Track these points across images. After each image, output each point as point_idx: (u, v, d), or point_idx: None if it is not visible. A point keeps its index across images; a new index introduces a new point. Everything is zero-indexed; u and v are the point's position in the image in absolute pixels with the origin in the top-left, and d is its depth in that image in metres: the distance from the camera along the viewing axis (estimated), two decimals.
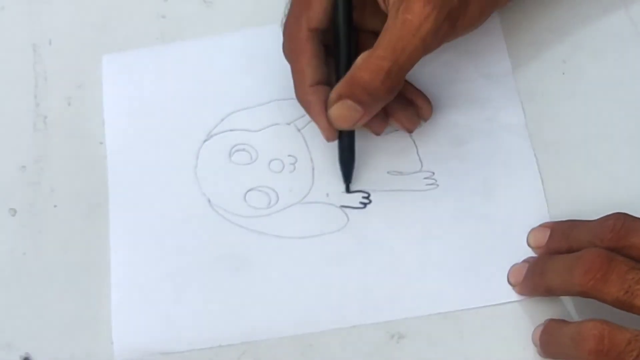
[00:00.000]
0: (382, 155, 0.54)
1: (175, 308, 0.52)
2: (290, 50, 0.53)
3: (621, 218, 0.45)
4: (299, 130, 0.56)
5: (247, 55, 0.58)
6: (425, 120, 0.54)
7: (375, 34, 0.49)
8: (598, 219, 0.47)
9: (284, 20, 0.53)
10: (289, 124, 0.56)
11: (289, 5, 0.53)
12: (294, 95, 0.54)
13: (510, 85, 0.55)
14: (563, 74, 0.55)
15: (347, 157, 0.53)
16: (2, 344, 0.53)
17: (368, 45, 0.49)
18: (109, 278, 0.53)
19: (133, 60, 0.59)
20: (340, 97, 0.49)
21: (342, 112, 0.49)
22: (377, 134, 0.54)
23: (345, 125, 0.50)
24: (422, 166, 0.54)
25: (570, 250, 0.48)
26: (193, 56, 0.58)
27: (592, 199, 0.50)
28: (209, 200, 0.55)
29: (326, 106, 0.50)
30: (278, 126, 0.56)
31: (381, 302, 0.51)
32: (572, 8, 0.56)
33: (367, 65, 0.48)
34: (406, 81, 0.53)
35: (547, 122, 0.54)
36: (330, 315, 0.51)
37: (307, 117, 0.55)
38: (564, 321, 0.47)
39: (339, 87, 0.49)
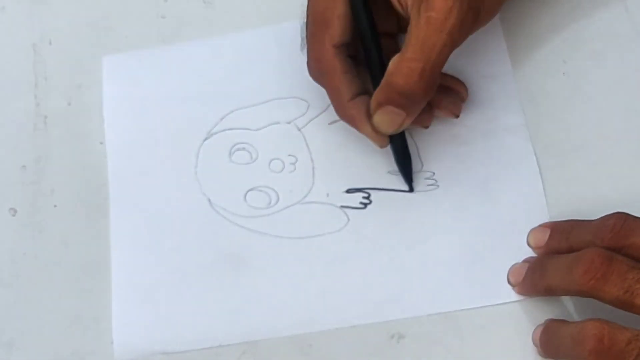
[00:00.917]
0: (382, 155, 0.54)
1: (175, 308, 0.52)
2: (319, 71, 0.52)
3: (622, 218, 0.46)
4: (299, 129, 0.56)
5: (247, 55, 0.58)
6: (464, 101, 0.54)
7: (390, 36, 0.49)
8: (599, 219, 0.47)
9: (303, 44, 0.53)
10: (289, 122, 0.56)
11: (305, 29, 0.53)
12: (293, 93, 0.54)
13: (511, 86, 0.55)
14: (563, 74, 0.55)
15: (404, 159, 0.53)
16: (2, 343, 0.53)
17: (387, 48, 0.49)
18: (109, 278, 0.53)
19: (133, 60, 0.59)
20: (380, 105, 0.49)
21: (385, 118, 0.50)
22: (426, 127, 0.53)
23: (390, 130, 0.50)
24: (422, 166, 0.54)
25: (570, 250, 0.48)
26: (193, 56, 0.58)
27: (592, 199, 0.50)
28: (209, 200, 0.55)
29: (369, 116, 0.50)
30: (278, 125, 0.56)
31: (381, 302, 0.51)
32: (572, 8, 0.56)
33: (399, 70, 0.48)
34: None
35: (547, 123, 0.54)
36: (330, 315, 0.51)
37: (307, 116, 0.55)
38: (564, 321, 0.47)
39: (377, 95, 0.49)
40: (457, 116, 0.54)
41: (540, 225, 0.51)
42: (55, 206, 0.56)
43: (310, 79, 0.53)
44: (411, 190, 0.53)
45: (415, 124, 0.52)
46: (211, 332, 0.51)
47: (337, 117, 0.55)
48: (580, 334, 0.43)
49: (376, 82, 0.50)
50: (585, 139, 0.53)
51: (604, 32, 0.55)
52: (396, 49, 0.49)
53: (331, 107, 0.55)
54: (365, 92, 0.51)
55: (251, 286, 0.52)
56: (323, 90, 0.55)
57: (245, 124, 0.56)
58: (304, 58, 0.54)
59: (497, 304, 0.50)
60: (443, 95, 0.53)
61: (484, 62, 0.55)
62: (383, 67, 0.49)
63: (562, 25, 0.56)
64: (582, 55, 0.55)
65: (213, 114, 0.57)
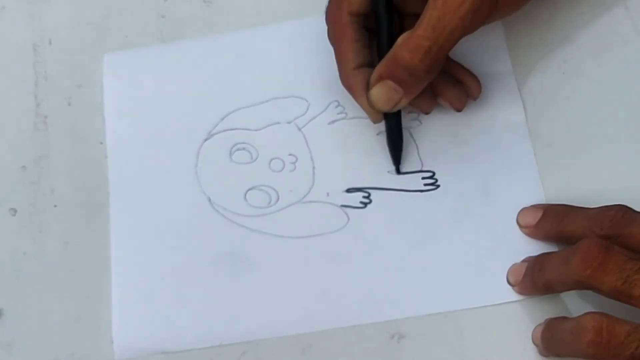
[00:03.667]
0: (382, 154, 0.54)
1: (175, 308, 0.52)
2: (332, 35, 0.53)
3: (623, 209, 0.46)
4: (299, 129, 0.56)
5: (247, 54, 0.58)
6: (474, 99, 0.54)
7: (417, 17, 0.49)
8: (597, 208, 0.47)
9: (326, 6, 0.53)
10: (289, 122, 0.56)
11: None
12: (294, 93, 0.54)
13: (511, 85, 0.55)
14: (563, 73, 0.55)
15: (395, 139, 0.53)
16: (2, 343, 0.53)
17: (410, 28, 0.49)
18: (109, 278, 0.53)
19: (134, 59, 0.59)
20: (380, 78, 0.50)
21: (382, 93, 0.50)
22: (426, 113, 0.54)
23: (385, 107, 0.51)
24: (422, 166, 0.54)
25: (561, 234, 0.48)
26: (193, 55, 0.58)
27: (592, 198, 0.50)
28: (210, 200, 0.55)
29: (368, 88, 0.51)
30: (278, 125, 0.56)
31: (381, 302, 0.51)
32: (573, 8, 0.56)
33: (407, 45, 0.48)
34: (454, 60, 0.53)
35: (547, 122, 0.54)
36: (330, 315, 0.51)
37: (308, 116, 0.56)
38: (564, 317, 0.47)
39: (379, 67, 0.50)
40: (459, 110, 0.54)
41: (532, 206, 0.51)
42: (55, 206, 0.56)
43: (310, 78, 0.53)
44: (398, 172, 0.53)
45: (416, 108, 0.53)
46: (211, 331, 0.51)
47: (337, 117, 0.56)
48: (578, 326, 0.43)
49: (382, 57, 0.50)
50: (585, 138, 0.53)
51: (604, 32, 0.55)
52: None
53: (331, 107, 0.56)
54: (372, 65, 0.52)
55: (251, 286, 0.52)
56: (323, 89, 0.55)
57: (245, 124, 0.56)
58: (304, 57, 0.54)
59: (497, 304, 0.50)
60: (451, 86, 0.53)
61: (485, 61, 0.55)
62: (392, 43, 0.49)
63: (562, 25, 0.56)
64: (582, 55, 0.55)
65: (213, 114, 0.57)
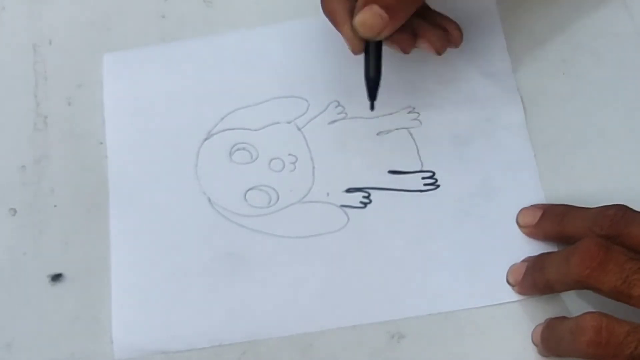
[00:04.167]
0: (382, 154, 0.54)
1: (175, 307, 0.52)
2: None
3: (622, 209, 0.46)
4: (299, 129, 0.56)
5: (247, 54, 0.58)
6: (456, 46, 0.53)
7: None
8: (597, 207, 0.47)
9: None
10: (289, 122, 0.56)
11: None
12: (294, 93, 0.54)
13: (511, 85, 0.55)
14: (563, 73, 0.55)
15: (374, 73, 0.51)
16: (2, 344, 0.53)
17: None
18: (109, 278, 0.53)
19: (134, 59, 0.59)
20: (367, 2, 0.48)
21: (368, 18, 0.49)
22: (406, 52, 0.52)
23: (369, 34, 0.49)
24: (422, 166, 0.54)
25: (561, 234, 0.48)
26: (193, 55, 0.58)
27: (591, 198, 0.50)
28: (209, 200, 0.55)
29: (352, 15, 0.49)
30: (278, 125, 0.56)
31: (381, 302, 0.51)
32: (572, 8, 0.56)
33: None
34: (438, 12, 0.52)
35: (547, 122, 0.54)
36: (330, 315, 0.51)
37: (308, 116, 0.55)
38: (563, 317, 0.47)
39: None
40: (440, 53, 0.52)
41: (532, 205, 0.51)
42: (55, 206, 0.56)
43: (310, 78, 0.53)
44: (372, 108, 0.51)
45: (395, 44, 0.51)
46: (211, 331, 0.51)
47: (337, 117, 0.56)
48: (578, 326, 0.43)
49: None
50: (585, 138, 0.53)
51: (604, 32, 0.55)
52: None
53: (331, 107, 0.56)
54: None
55: (251, 286, 0.52)
56: (323, 89, 0.55)
57: (245, 124, 0.56)
58: (304, 57, 0.54)
59: (497, 304, 0.50)
60: (431, 28, 0.52)
61: (484, 61, 0.55)
62: None
63: (562, 25, 0.56)
64: (582, 55, 0.55)
65: (213, 114, 0.57)
